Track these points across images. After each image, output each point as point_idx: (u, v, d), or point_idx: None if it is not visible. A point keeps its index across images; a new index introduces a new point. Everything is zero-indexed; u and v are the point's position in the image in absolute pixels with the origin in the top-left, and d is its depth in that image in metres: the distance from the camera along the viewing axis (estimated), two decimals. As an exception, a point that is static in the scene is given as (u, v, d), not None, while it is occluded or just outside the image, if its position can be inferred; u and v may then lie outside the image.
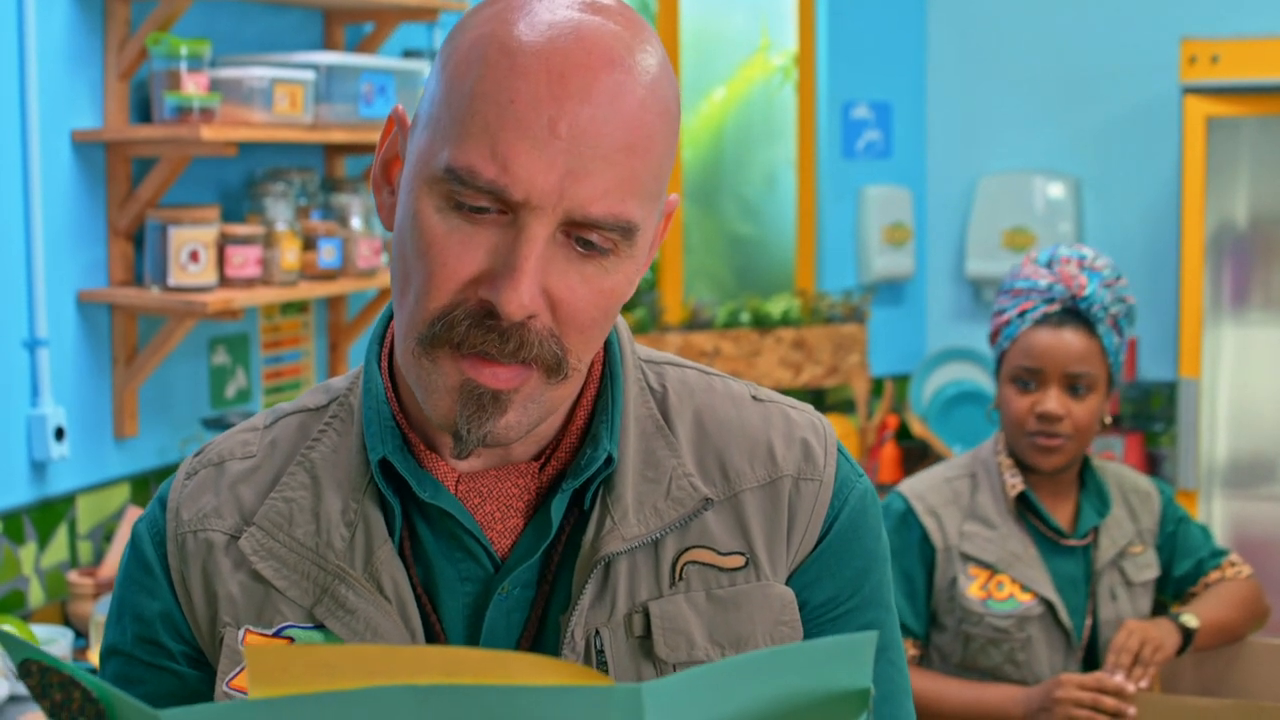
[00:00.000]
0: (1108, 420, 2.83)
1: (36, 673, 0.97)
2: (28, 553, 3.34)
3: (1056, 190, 5.19)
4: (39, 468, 3.39)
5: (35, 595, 3.37)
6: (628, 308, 5.20)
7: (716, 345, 5.04)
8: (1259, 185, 4.75)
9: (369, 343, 1.32)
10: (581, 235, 1.15)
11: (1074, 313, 2.77)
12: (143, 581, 1.32)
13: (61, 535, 3.44)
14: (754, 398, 1.35)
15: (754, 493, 1.29)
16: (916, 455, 5.23)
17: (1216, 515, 4.78)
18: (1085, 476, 2.91)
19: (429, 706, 0.88)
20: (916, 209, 5.41)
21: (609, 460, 1.26)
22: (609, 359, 1.31)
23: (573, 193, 1.12)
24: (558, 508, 1.25)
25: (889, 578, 1.34)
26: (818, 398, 5.31)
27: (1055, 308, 2.77)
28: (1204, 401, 4.70)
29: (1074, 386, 2.77)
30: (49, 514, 3.40)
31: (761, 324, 5.12)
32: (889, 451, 5.06)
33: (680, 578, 1.26)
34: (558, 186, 1.12)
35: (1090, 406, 2.78)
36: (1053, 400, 2.76)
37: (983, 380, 5.24)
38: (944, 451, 5.02)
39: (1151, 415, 5.15)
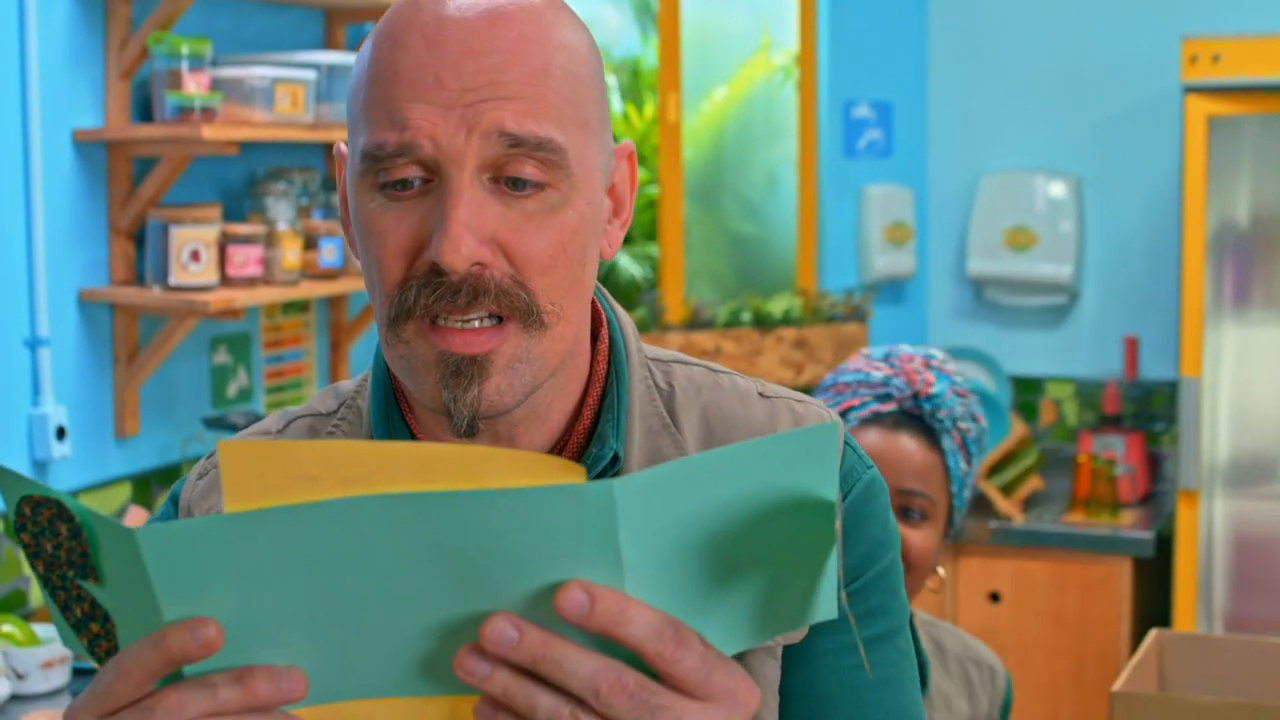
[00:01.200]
0: (938, 582, 2.21)
1: (30, 515, 0.98)
2: (29, 552, 3.34)
3: (1058, 189, 5.19)
4: (40, 467, 3.39)
5: (36, 595, 3.37)
6: (629, 307, 5.20)
7: (718, 344, 5.04)
8: (1260, 184, 4.75)
9: (377, 346, 1.33)
10: (509, 175, 1.15)
11: (913, 417, 2.17)
12: None
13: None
14: (760, 394, 1.35)
15: None
16: (918, 454, 5.23)
17: (1218, 514, 4.78)
18: None
19: (402, 516, 0.89)
20: (918, 208, 5.41)
21: (615, 459, 1.26)
22: (614, 358, 1.31)
23: (481, 125, 1.14)
24: None
25: (898, 566, 1.34)
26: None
27: (890, 406, 2.17)
28: (1205, 400, 4.70)
29: (906, 509, 2.14)
30: (50, 513, 3.40)
31: (763, 323, 5.12)
32: (890, 451, 5.06)
33: None
34: (461, 127, 1.14)
35: (925, 538, 2.15)
36: None
37: (984, 380, 5.24)
38: (945, 450, 5.02)
39: (1152, 414, 5.15)
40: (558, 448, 1.28)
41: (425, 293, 1.15)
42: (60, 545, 0.96)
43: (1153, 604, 4.80)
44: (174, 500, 1.35)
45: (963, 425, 2.18)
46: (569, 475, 0.92)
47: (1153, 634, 2.86)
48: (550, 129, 1.15)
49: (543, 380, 1.22)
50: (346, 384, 1.37)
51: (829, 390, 2.21)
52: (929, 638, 2.28)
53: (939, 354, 2.24)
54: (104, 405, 3.56)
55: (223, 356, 3.92)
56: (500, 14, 1.16)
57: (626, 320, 1.34)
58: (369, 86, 1.17)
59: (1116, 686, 2.63)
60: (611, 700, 0.92)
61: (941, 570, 2.22)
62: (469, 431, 1.20)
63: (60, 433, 3.37)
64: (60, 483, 3.44)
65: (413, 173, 1.15)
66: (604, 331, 1.32)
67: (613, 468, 1.26)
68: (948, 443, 2.17)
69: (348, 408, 1.34)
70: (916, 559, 2.14)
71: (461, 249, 1.13)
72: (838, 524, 0.94)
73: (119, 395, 3.58)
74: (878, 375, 2.18)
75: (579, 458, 1.28)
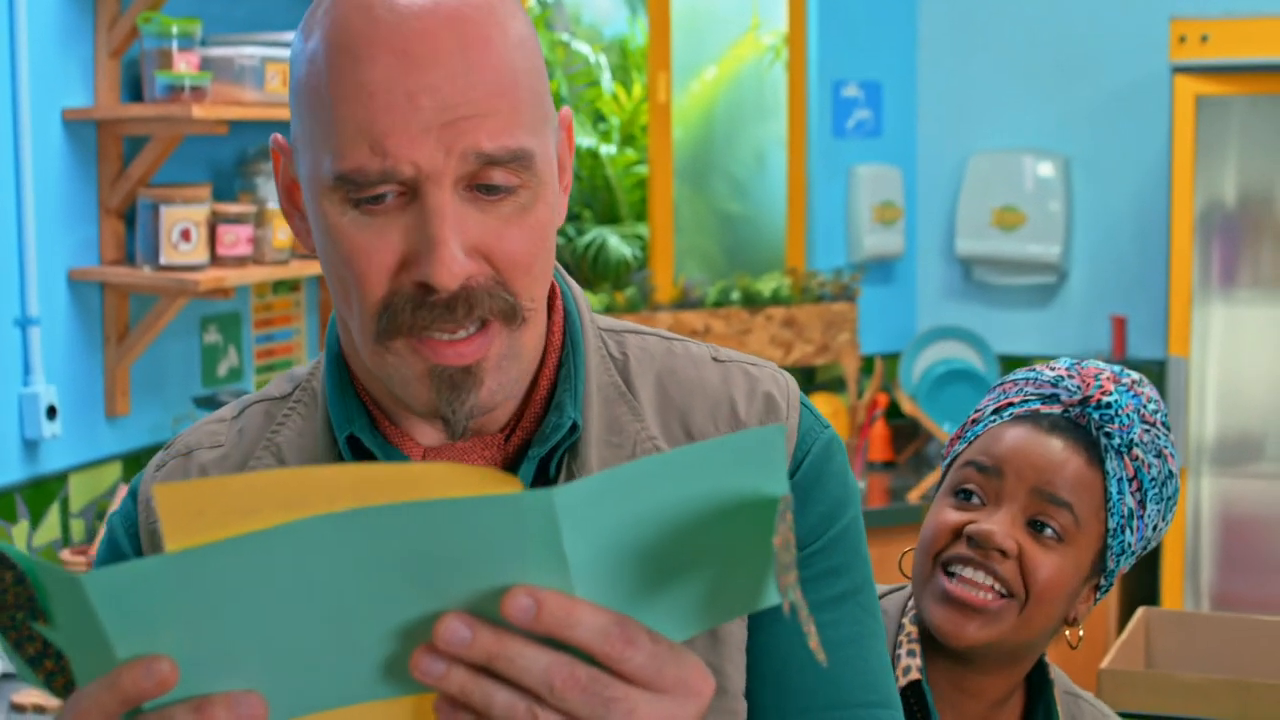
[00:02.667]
0: (1075, 637, 1.82)
1: None
2: (20, 531, 3.35)
3: (1046, 169, 5.20)
4: (31, 446, 3.39)
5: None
6: (619, 287, 5.21)
7: (707, 324, 5.05)
8: (1248, 164, 4.76)
9: (330, 326, 1.33)
10: (483, 183, 1.16)
11: (1079, 427, 1.78)
12: None
13: (54, 514, 3.44)
14: (714, 358, 1.36)
15: None
16: (906, 433, 5.25)
17: (1205, 493, 4.80)
18: (1035, 702, 1.87)
19: (347, 532, 0.90)
20: (907, 188, 5.41)
21: (574, 428, 1.27)
22: (569, 328, 1.32)
23: (457, 143, 1.13)
24: (525, 476, 1.26)
25: (859, 524, 1.35)
26: (808, 376, 5.32)
27: (1054, 409, 1.79)
28: (1193, 380, 4.71)
29: (1040, 522, 1.75)
30: (41, 493, 3.41)
31: (752, 302, 5.12)
32: (879, 430, 5.08)
33: None
34: (439, 149, 1.13)
35: (1058, 564, 1.75)
36: (999, 521, 1.75)
37: (973, 359, 5.25)
38: (934, 430, 5.04)
39: (1140, 394, 5.17)
40: (516, 419, 1.29)
41: (418, 312, 1.16)
42: (6, 590, 0.96)
43: (1140, 582, 4.82)
44: (133, 495, 1.35)
45: (1140, 455, 1.76)
46: (506, 486, 0.94)
47: (1140, 612, 2.87)
48: (521, 138, 1.16)
49: (528, 370, 1.24)
50: (301, 369, 1.38)
51: (996, 389, 1.87)
52: (1068, 716, 1.88)
53: (1137, 375, 1.83)
54: (94, 384, 3.56)
55: (213, 335, 3.92)
56: (460, 17, 1.15)
57: (579, 291, 1.36)
58: (335, 103, 1.15)
59: (1104, 664, 2.64)
60: (565, 694, 0.94)
61: (1081, 629, 1.82)
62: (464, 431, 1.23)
63: (51, 412, 3.37)
64: (51, 462, 3.44)
65: (389, 189, 1.15)
66: (558, 303, 1.33)
67: (572, 436, 1.27)
68: (1113, 464, 1.76)
69: (302, 390, 1.34)
70: (1038, 588, 1.74)
71: (454, 269, 1.14)
72: (788, 513, 0.95)
73: (109, 374, 3.58)
74: (1049, 375, 1.82)
75: (537, 427, 1.28)
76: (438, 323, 1.16)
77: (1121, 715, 2.29)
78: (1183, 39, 4.53)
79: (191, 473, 1.33)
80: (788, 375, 1.38)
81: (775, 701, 1.30)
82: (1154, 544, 1.85)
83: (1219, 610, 4.67)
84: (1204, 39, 4.51)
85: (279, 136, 1.26)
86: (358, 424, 1.27)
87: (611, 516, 0.92)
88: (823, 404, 5.04)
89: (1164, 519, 1.82)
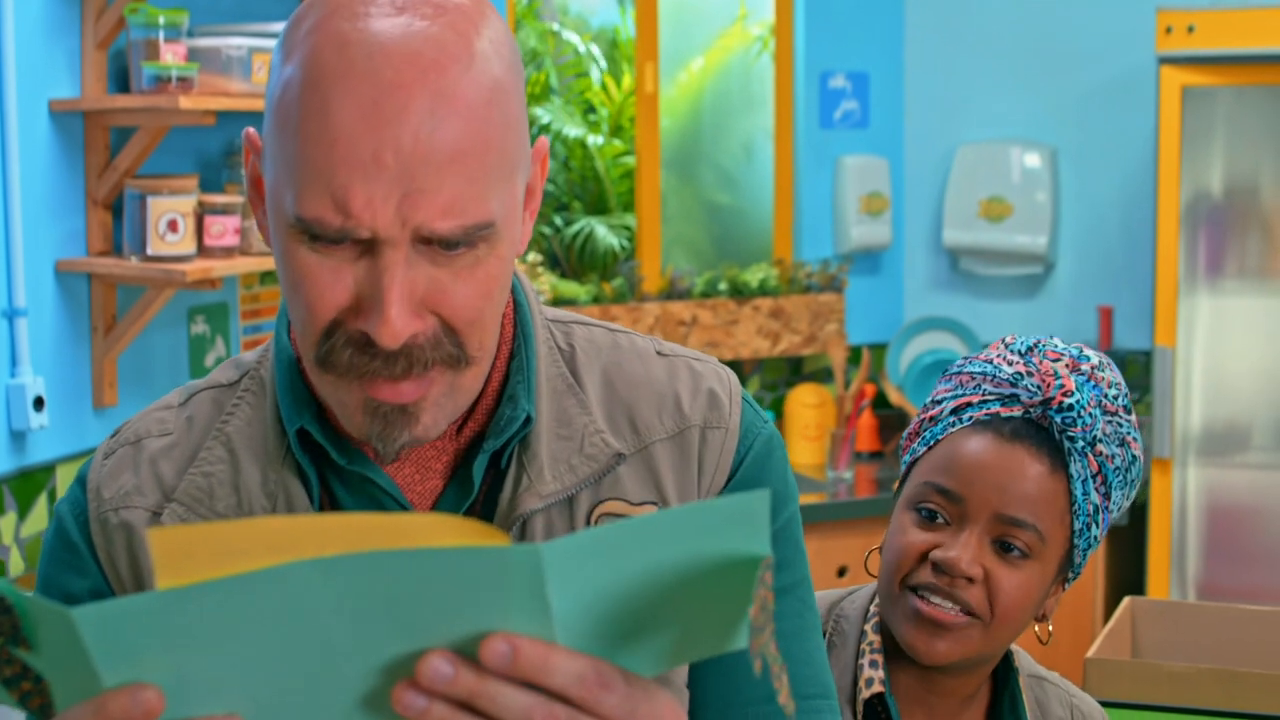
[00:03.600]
0: (1045, 633, 1.84)
1: None
2: (8, 522, 3.35)
3: (1033, 160, 5.21)
4: (18, 437, 3.39)
5: (15, 564, 3.38)
6: (606, 277, 5.21)
7: (694, 314, 5.05)
8: (1234, 155, 4.77)
9: (279, 316, 1.33)
10: (441, 240, 1.15)
11: (1041, 429, 1.76)
12: (69, 561, 1.33)
13: (41, 505, 3.44)
14: (659, 353, 1.38)
15: (664, 444, 1.32)
16: (894, 424, 5.25)
17: (1191, 483, 4.81)
18: (1001, 691, 1.88)
19: (334, 577, 0.91)
20: (894, 179, 5.42)
21: (527, 420, 1.28)
22: (520, 320, 1.33)
23: (414, 216, 1.13)
24: (479, 468, 1.27)
25: (798, 519, 1.37)
26: (795, 367, 5.33)
27: (1014, 411, 1.76)
28: (1179, 370, 4.73)
29: (1005, 542, 1.74)
30: (29, 484, 3.41)
31: (739, 293, 5.13)
32: (866, 420, 5.08)
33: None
34: (398, 214, 1.12)
35: (1024, 581, 1.75)
36: (964, 547, 1.73)
37: (960, 349, 5.26)
38: (921, 420, 5.04)
39: (1127, 384, 5.17)
40: (468, 412, 1.29)
41: (361, 358, 1.16)
42: None
43: (1126, 571, 4.83)
44: (81, 483, 1.35)
45: (1103, 449, 1.76)
46: (492, 539, 0.96)
47: (1126, 601, 2.88)
48: (479, 213, 1.15)
49: (466, 404, 1.24)
50: (248, 355, 1.38)
51: (952, 378, 1.83)
52: (1033, 700, 1.90)
53: (1096, 356, 1.82)
54: (82, 376, 3.56)
55: (200, 326, 3.92)
56: (436, 67, 1.13)
57: (528, 283, 1.36)
58: (301, 141, 1.13)
59: (1090, 653, 2.65)
60: None
61: (1050, 623, 1.84)
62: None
63: (38, 403, 3.37)
64: (39, 453, 3.44)
65: (347, 238, 1.15)
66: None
67: (525, 428, 1.28)
68: (1077, 467, 1.75)
69: (250, 378, 1.34)
70: (1004, 607, 1.74)
71: (398, 330, 1.14)
72: (768, 574, 0.96)
73: (97, 365, 3.57)
74: (1007, 371, 1.77)
75: (489, 419, 1.29)
76: (378, 370, 1.17)
77: (1107, 705, 2.29)
78: (1169, 30, 4.54)
79: (141, 461, 1.33)
80: (730, 371, 1.40)
81: (717, 693, 1.32)
82: (1116, 520, 1.84)
83: (1205, 600, 4.69)
84: (1190, 30, 4.52)
85: (251, 131, 1.26)
86: (307, 417, 1.27)
87: (596, 571, 0.94)
88: (809, 394, 5.04)
89: (1127, 498, 1.83)
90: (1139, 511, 4.75)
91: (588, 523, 1.29)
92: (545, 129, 6.22)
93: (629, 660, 0.99)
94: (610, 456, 1.30)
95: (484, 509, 1.29)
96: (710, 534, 0.95)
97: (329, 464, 1.29)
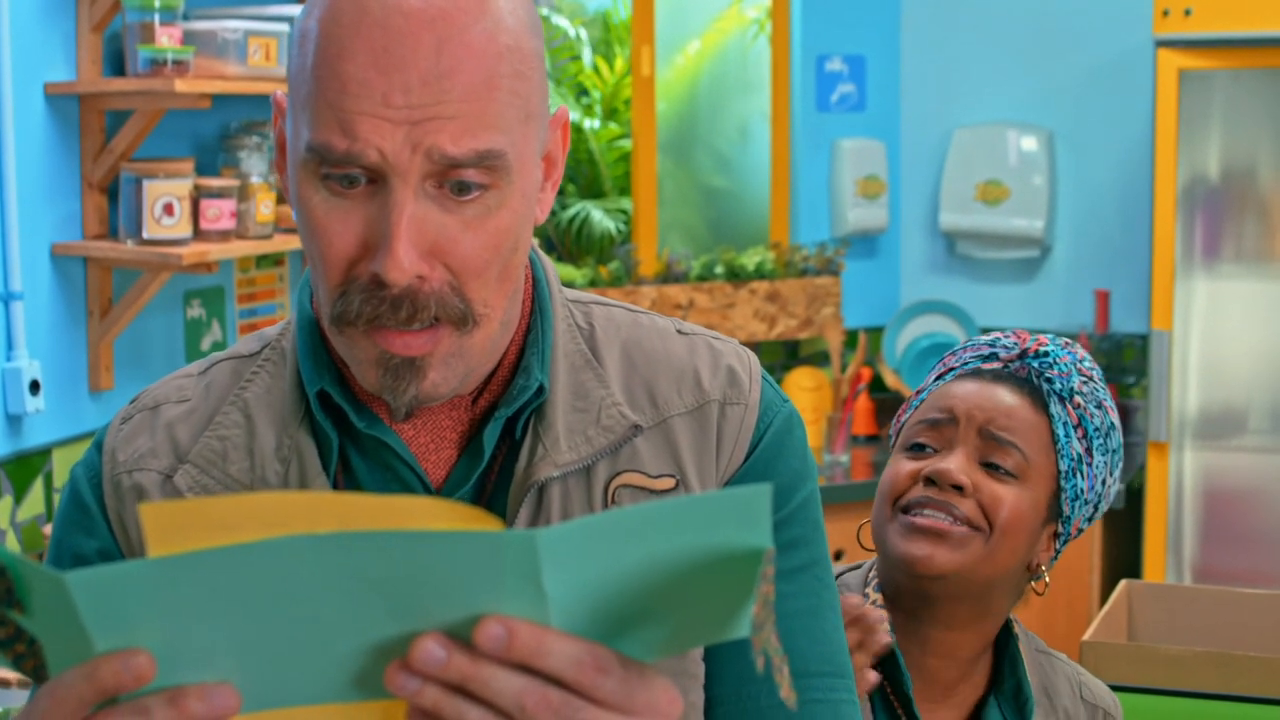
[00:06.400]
0: (1041, 585, 1.87)
1: None
2: (3, 506, 3.35)
3: (1030, 143, 5.20)
4: (14, 421, 3.39)
5: (11, 548, 3.38)
6: (602, 261, 5.21)
7: (691, 298, 5.05)
8: (1231, 138, 4.77)
9: (301, 285, 1.36)
10: (452, 179, 1.18)
11: (1020, 379, 1.85)
12: (80, 522, 1.35)
13: (38, 489, 3.44)
14: (679, 331, 1.40)
15: (682, 418, 1.33)
16: (890, 408, 5.25)
17: (1187, 467, 4.82)
18: (1002, 661, 1.90)
19: (328, 554, 0.91)
20: (890, 162, 5.41)
21: (540, 390, 1.30)
22: (537, 296, 1.35)
23: (425, 143, 1.16)
24: (490, 435, 1.29)
25: (816, 498, 1.38)
26: (792, 350, 5.33)
27: (993, 365, 1.86)
28: (1175, 353, 4.73)
29: (993, 463, 1.80)
30: (25, 467, 3.41)
31: (736, 277, 5.13)
32: (862, 404, 5.09)
33: (613, 501, 1.30)
34: (408, 143, 1.16)
35: (1015, 498, 1.80)
36: (953, 459, 1.80)
37: (956, 333, 5.26)
38: (917, 404, 5.04)
39: (1124, 368, 5.18)
40: (484, 383, 1.31)
41: (369, 304, 1.19)
42: None
43: (1122, 555, 4.84)
44: (98, 446, 1.37)
45: (1081, 403, 1.83)
46: (488, 524, 0.95)
47: (1122, 585, 2.89)
48: (491, 139, 1.18)
49: (475, 367, 1.26)
50: (271, 329, 1.40)
51: (938, 363, 1.93)
52: (1039, 675, 1.91)
53: (1077, 346, 1.91)
54: (78, 359, 3.56)
55: (196, 310, 3.92)
56: (444, 17, 1.17)
57: (547, 261, 1.38)
58: (314, 82, 1.18)
59: (1086, 636, 2.65)
60: (536, 715, 0.96)
61: (1047, 577, 1.86)
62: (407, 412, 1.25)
63: (34, 387, 3.37)
64: (35, 437, 3.44)
65: (358, 173, 1.18)
66: (527, 271, 1.35)
67: (539, 398, 1.30)
68: (1056, 409, 1.82)
69: (271, 348, 1.36)
70: (1002, 520, 1.78)
71: (405, 265, 1.16)
72: (769, 568, 0.96)
73: (93, 349, 3.57)
74: (986, 339, 1.90)
75: (504, 391, 1.31)
76: (385, 315, 1.19)
77: (1103, 687, 2.28)
78: (1166, 13, 4.53)
79: (157, 426, 1.35)
80: (750, 351, 1.41)
81: (733, 668, 1.33)
82: (1106, 505, 1.89)
83: (1201, 583, 4.69)
84: (1187, 13, 4.51)
85: (279, 94, 1.29)
86: (328, 380, 1.29)
87: (593, 558, 0.94)
88: (806, 378, 5.04)
89: (1112, 474, 1.87)
90: (1135, 495, 4.75)
91: (605, 494, 1.30)
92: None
93: (625, 647, 0.99)
94: (627, 428, 1.31)
95: (499, 478, 1.31)
96: (710, 526, 0.95)
97: (346, 429, 1.31)
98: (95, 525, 1.34)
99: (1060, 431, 1.81)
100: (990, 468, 1.80)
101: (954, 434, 1.82)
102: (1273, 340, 4.77)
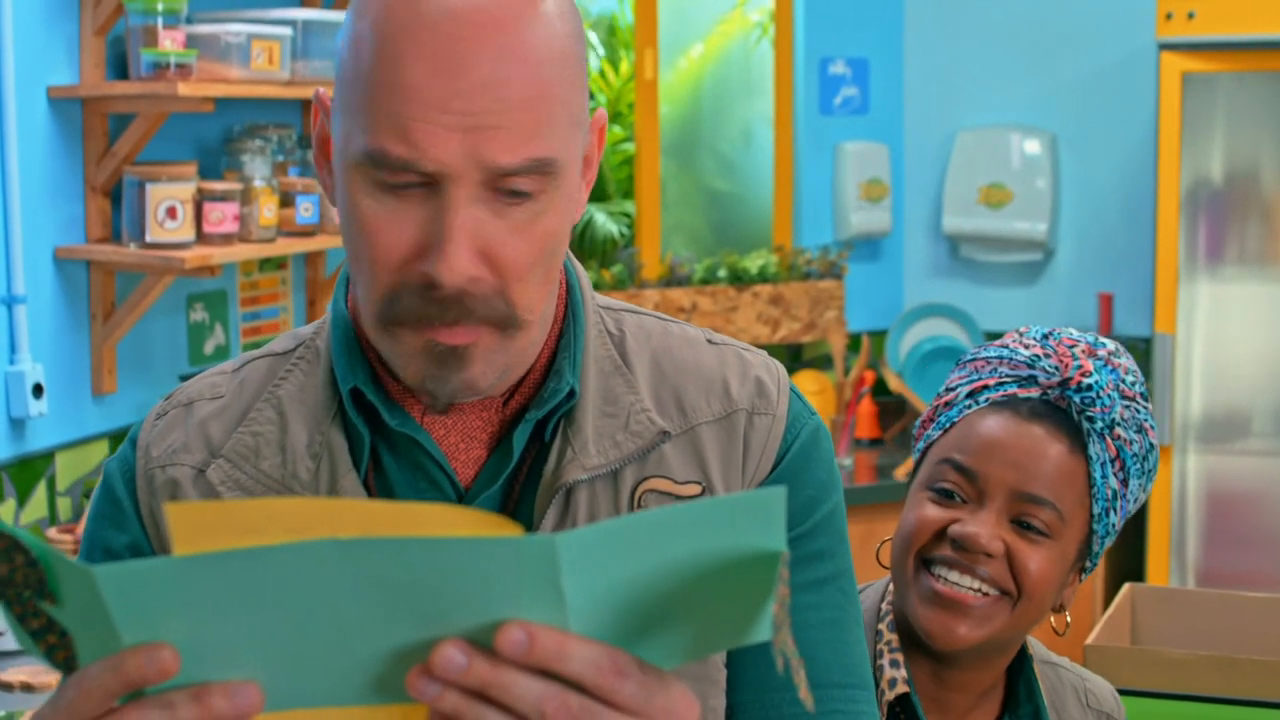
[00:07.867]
0: (1062, 624, 1.82)
1: None
2: (7, 510, 3.35)
3: (1033, 146, 5.20)
4: (17, 425, 3.39)
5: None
6: (606, 264, 5.21)
7: (694, 301, 5.05)
8: (1234, 141, 4.77)
9: (337, 284, 1.37)
10: (504, 185, 1.19)
11: (1059, 410, 1.73)
12: (112, 516, 1.36)
13: (40, 492, 3.44)
14: (709, 341, 1.41)
15: (710, 426, 1.35)
16: (893, 411, 5.25)
17: (1190, 470, 4.81)
18: (1016, 682, 1.86)
19: (351, 558, 0.93)
20: (893, 165, 5.41)
21: (571, 393, 1.31)
22: (570, 301, 1.36)
23: (481, 153, 1.17)
24: (520, 437, 1.30)
25: (842, 510, 1.39)
26: (795, 353, 5.33)
27: (1032, 392, 1.73)
28: (1179, 357, 4.72)
29: (1025, 521, 1.71)
30: (28, 471, 3.41)
31: (739, 280, 5.13)
32: (866, 407, 5.08)
33: (639, 505, 1.31)
34: (464, 151, 1.17)
35: (1046, 559, 1.71)
36: (982, 523, 1.70)
37: (960, 336, 5.26)
38: (920, 407, 5.04)
39: (1127, 370, 5.17)
40: (515, 385, 1.32)
41: (419, 304, 1.20)
42: (15, 569, 1.00)
43: (1126, 558, 4.84)
44: (132, 442, 1.38)
45: (1122, 433, 1.72)
46: (506, 529, 0.96)
47: (1126, 588, 2.88)
48: (543, 148, 1.19)
49: (514, 366, 1.27)
50: (305, 328, 1.42)
51: (967, 365, 1.81)
52: (1048, 687, 1.87)
53: (1112, 344, 1.78)
54: (81, 363, 3.56)
55: (199, 313, 3.92)
56: (500, 24, 1.18)
57: (579, 267, 1.39)
58: (371, 89, 1.19)
59: (1089, 640, 2.65)
60: None
61: (1068, 614, 1.80)
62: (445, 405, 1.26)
63: (37, 390, 3.37)
64: (38, 440, 3.44)
65: (412, 178, 1.19)
66: (561, 275, 1.36)
67: (569, 402, 1.31)
68: (1095, 449, 1.71)
69: (306, 347, 1.37)
70: (1032, 583, 1.70)
71: (459, 268, 1.18)
72: (785, 570, 0.97)
73: (96, 353, 3.57)
74: (1024, 354, 1.75)
75: (535, 394, 1.32)
76: (433, 315, 1.20)
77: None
78: (1169, 16, 4.53)
79: (191, 422, 1.36)
80: (779, 363, 1.42)
81: (755, 674, 1.34)
82: (1132, 513, 1.82)
83: (1204, 586, 4.69)
84: (1190, 16, 4.51)
85: (322, 91, 1.31)
86: (361, 378, 1.31)
87: (612, 564, 0.95)
88: (809, 381, 5.04)
89: (1144, 490, 1.80)
90: (1139, 498, 4.75)
91: (632, 499, 1.31)
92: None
93: (645, 652, 1.00)
94: (655, 434, 1.32)
95: (528, 480, 1.32)
96: (726, 529, 0.95)
97: (378, 427, 1.32)
98: (127, 520, 1.35)
99: (1097, 474, 1.72)
100: (1022, 525, 1.71)
101: (984, 489, 1.72)
102: (1276, 343, 4.77)
